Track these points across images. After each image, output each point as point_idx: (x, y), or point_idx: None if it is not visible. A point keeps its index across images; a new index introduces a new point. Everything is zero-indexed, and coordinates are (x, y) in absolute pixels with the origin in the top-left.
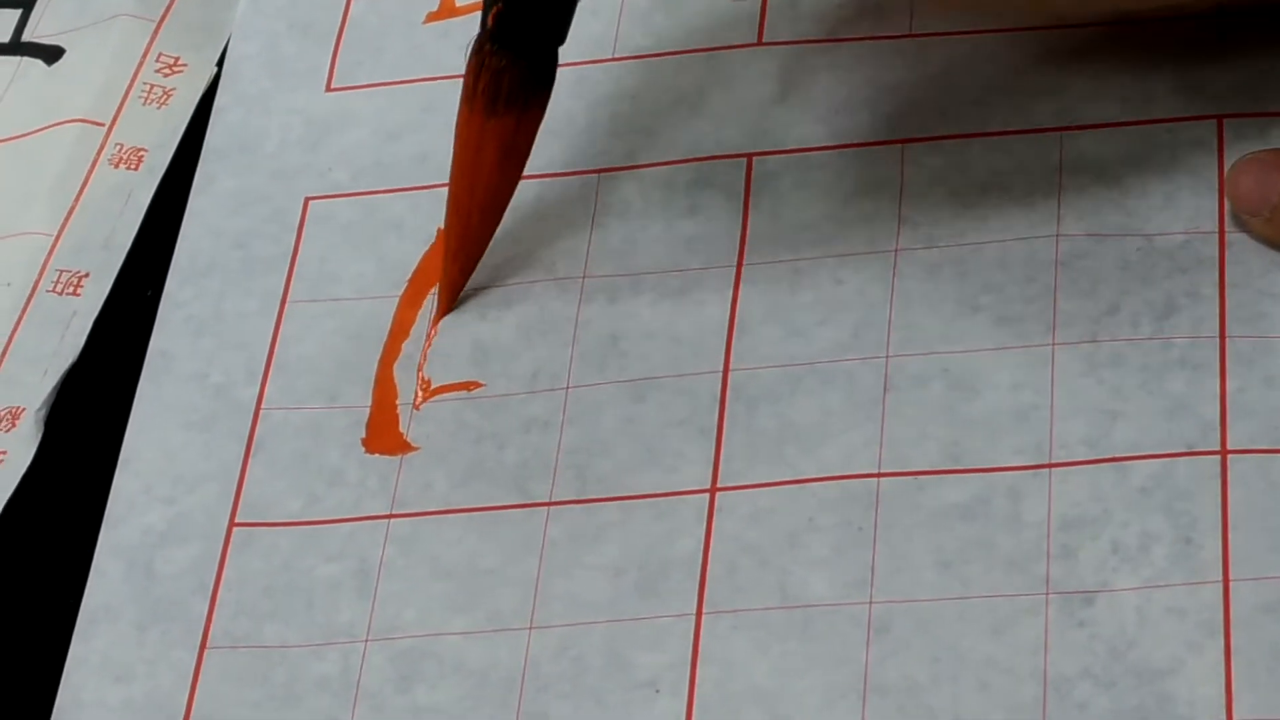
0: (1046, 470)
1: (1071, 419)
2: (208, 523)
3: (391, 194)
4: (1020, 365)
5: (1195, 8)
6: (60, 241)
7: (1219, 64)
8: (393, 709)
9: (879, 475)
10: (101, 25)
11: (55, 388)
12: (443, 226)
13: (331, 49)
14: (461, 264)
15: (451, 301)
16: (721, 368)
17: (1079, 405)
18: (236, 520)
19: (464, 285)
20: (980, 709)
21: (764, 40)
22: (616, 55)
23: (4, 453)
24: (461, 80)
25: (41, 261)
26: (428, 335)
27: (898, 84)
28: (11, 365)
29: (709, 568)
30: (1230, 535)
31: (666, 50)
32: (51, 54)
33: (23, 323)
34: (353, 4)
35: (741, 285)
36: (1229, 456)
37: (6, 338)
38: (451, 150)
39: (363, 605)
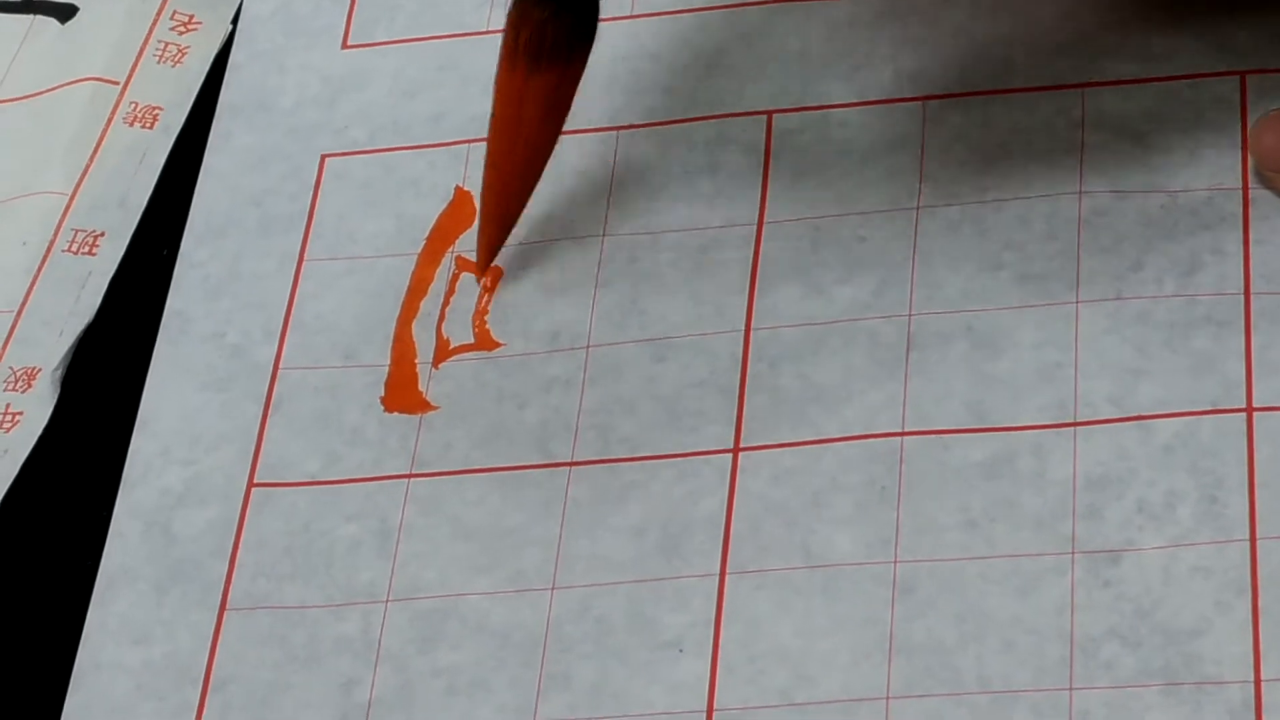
0: (1071, 429)
1: (1096, 377)
2: (226, 484)
3: (408, 151)
4: (1044, 323)
5: None
6: (75, 201)
7: (1242, 20)
8: (414, 670)
9: (902, 434)
10: None
11: (71, 348)
12: (462, 184)
13: (347, 6)
14: (500, 223)
15: (489, 261)
16: (743, 327)
17: (1103, 363)
18: (255, 481)
19: (502, 244)
20: (1006, 669)
21: None
22: (636, 13)
23: (20, 413)
24: (487, 36)
25: (57, 221)
26: (446, 294)
27: (919, 41)
28: (27, 325)
29: (732, 528)
30: (1257, 493)
31: (686, 8)
32: (65, 12)
33: (38, 282)
34: None
35: (762, 243)
36: (1255, 414)
37: (22, 298)
38: (487, 107)
39: (383, 565)
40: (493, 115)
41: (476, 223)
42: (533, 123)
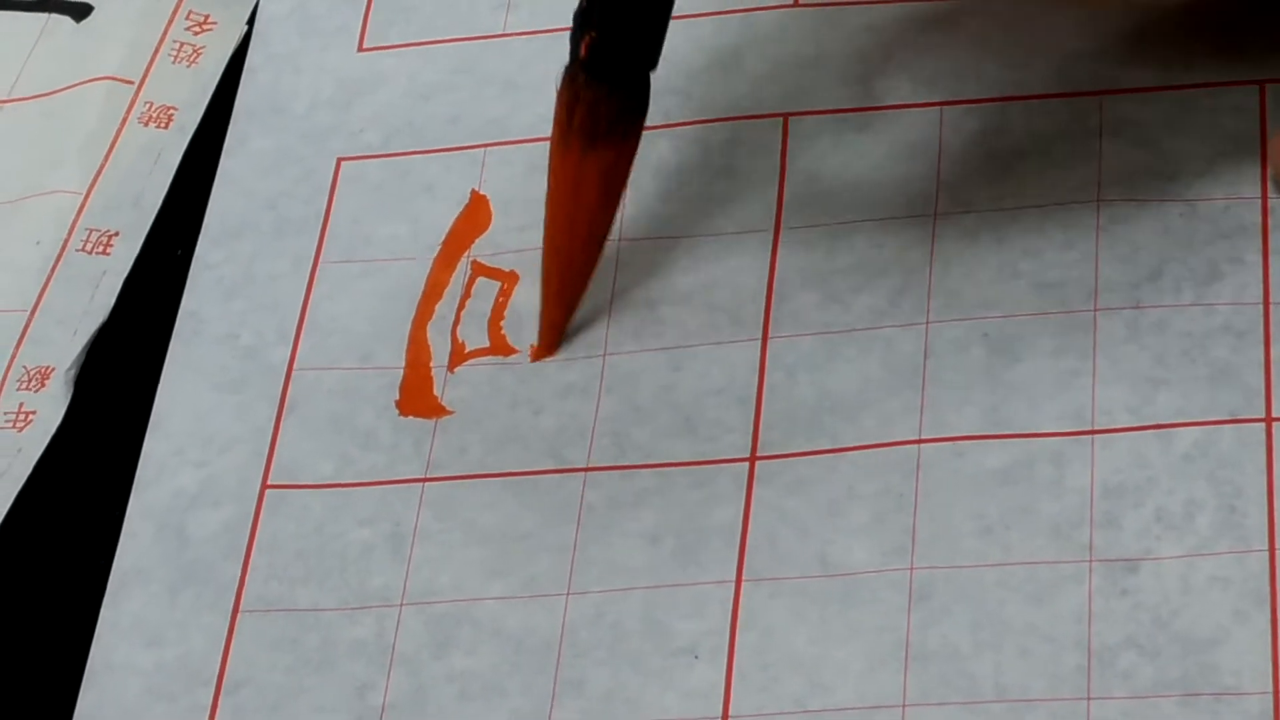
0: (1089, 436)
1: (1114, 385)
2: (239, 485)
3: (424, 155)
4: (1061, 331)
5: None
6: (90, 200)
7: (1261, 29)
8: (428, 674)
9: (919, 442)
10: None
11: (85, 348)
12: (478, 188)
13: (363, 8)
14: (565, 304)
15: (554, 346)
16: (760, 335)
17: (1121, 372)
18: (269, 482)
19: (566, 327)
20: (1022, 677)
21: (801, 1)
22: None
23: (34, 412)
24: (503, 38)
25: (71, 220)
26: (461, 298)
27: (936, 46)
28: (41, 324)
29: (749, 536)
30: (1276, 503)
31: (703, 11)
32: (80, 10)
33: (52, 282)
34: None
35: (779, 250)
36: (1274, 424)
37: (36, 297)
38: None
39: (397, 569)
40: (549, 195)
41: (539, 297)
42: (591, 201)
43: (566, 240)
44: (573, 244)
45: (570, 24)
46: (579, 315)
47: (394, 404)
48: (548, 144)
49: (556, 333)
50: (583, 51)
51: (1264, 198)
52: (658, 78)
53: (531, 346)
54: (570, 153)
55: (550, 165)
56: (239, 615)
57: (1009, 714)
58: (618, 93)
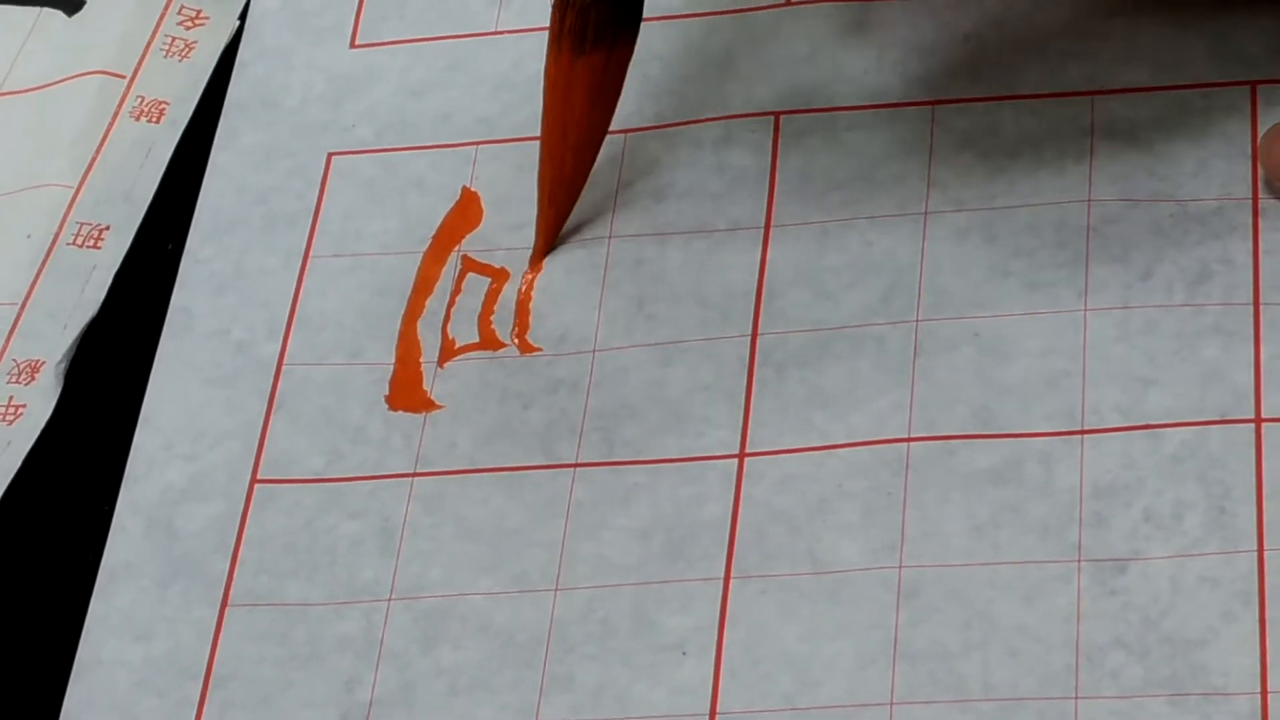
0: (1079, 436)
1: (1104, 385)
2: (229, 480)
3: (415, 151)
4: (1052, 330)
5: None
6: (81, 194)
7: (1253, 29)
8: (416, 669)
9: (909, 440)
10: None
11: (75, 341)
12: (469, 185)
13: (355, 4)
14: (557, 209)
15: (547, 249)
16: (750, 332)
17: (1111, 371)
18: (258, 477)
19: (559, 232)
20: (1011, 676)
21: (793, 1)
22: (645, 16)
23: (23, 406)
24: (495, 36)
25: (62, 214)
26: (452, 293)
27: (928, 45)
28: (31, 318)
29: (737, 533)
30: (1265, 504)
31: (695, 11)
32: (72, 4)
33: (43, 275)
34: None
35: (770, 247)
36: (1263, 425)
37: (26, 290)
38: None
39: (386, 564)
40: (544, 102)
41: (535, 210)
42: (581, 107)
43: (559, 146)
44: (564, 150)
45: None
46: (568, 308)
47: (384, 399)
48: (539, 142)
49: (549, 239)
50: None
51: (1255, 198)
52: (651, 78)
53: (524, 275)
54: (561, 58)
55: (545, 72)
56: (227, 609)
57: (997, 713)
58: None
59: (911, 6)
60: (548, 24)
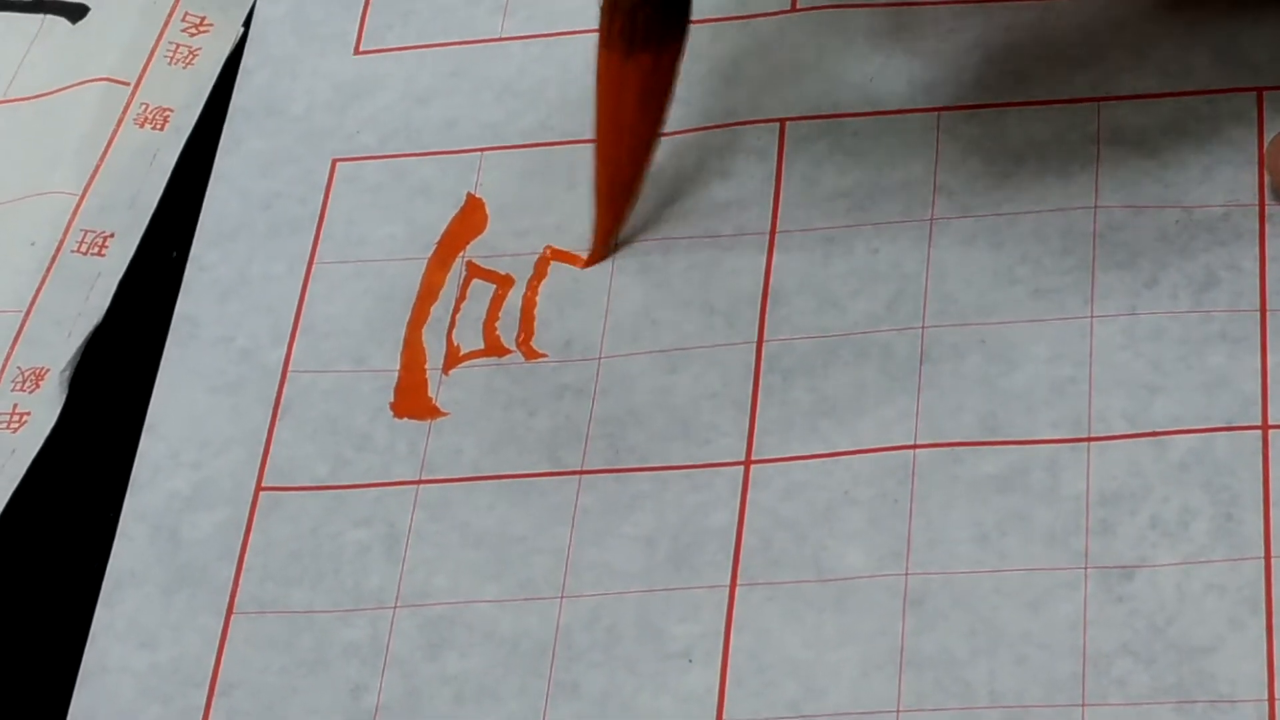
0: (1085, 444)
1: (1110, 392)
2: (234, 487)
3: (419, 157)
4: (1058, 337)
5: None
6: (85, 201)
7: (1259, 36)
8: (422, 676)
9: (915, 447)
10: None
11: (80, 349)
12: (473, 191)
13: (360, 11)
14: (615, 212)
15: (605, 251)
16: (756, 338)
17: (1118, 378)
18: (263, 485)
19: (617, 234)
20: (1017, 683)
21: (798, 7)
22: None
23: (28, 414)
24: (500, 42)
25: (66, 221)
26: (457, 300)
27: (934, 51)
28: (35, 325)
29: (743, 540)
30: (1272, 511)
31: (701, 18)
32: (76, 11)
33: (47, 283)
34: None
35: (775, 254)
36: (1270, 431)
37: (31, 298)
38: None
39: (391, 571)
40: (596, 105)
41: (592, 210)
42: (632, 108)
43: (613, 147)
44: (619, 151)
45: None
46: (574, 315)
47: (389, 406)
48: (543, 149)
49: (607, 241)
50: None
51: (1261, 204)
52: None
53: (580, 257)
54: (611, 59)
55: (596, 75)
56: (233, 617)
57: None
58: (654, 1)
59: (916, 12)
60: (555, 30)
